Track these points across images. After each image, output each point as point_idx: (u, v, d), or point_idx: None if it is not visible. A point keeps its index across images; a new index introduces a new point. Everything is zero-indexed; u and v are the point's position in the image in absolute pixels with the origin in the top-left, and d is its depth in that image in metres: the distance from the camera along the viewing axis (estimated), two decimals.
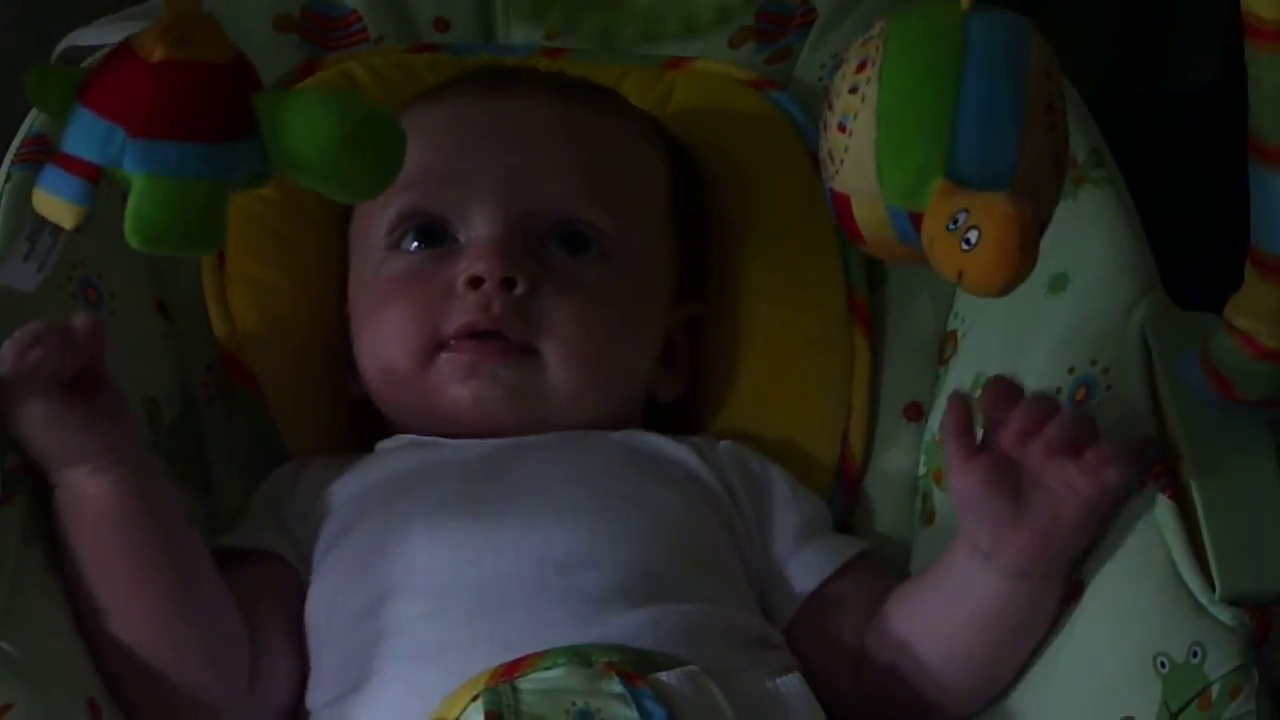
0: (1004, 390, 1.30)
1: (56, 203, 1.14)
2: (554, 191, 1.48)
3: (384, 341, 1.48)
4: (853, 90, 1.18)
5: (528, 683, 1.23)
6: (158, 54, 1.11)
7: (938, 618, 1.35)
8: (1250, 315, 1.23)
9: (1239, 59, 1.17)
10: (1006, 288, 1.11)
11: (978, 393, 1.46)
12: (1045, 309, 1.43)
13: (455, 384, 1.45)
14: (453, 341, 1.45)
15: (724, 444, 1.49)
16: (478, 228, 1.47)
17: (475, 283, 1.45)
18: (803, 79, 1.65)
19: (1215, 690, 1.16)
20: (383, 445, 1.50)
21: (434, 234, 1.49)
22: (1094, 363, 1.37)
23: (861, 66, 1.18)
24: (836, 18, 1.65)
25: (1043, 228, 1.16)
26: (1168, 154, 1.94)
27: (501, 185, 1.48)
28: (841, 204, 1.19)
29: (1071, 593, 1.29)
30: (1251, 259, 1.22)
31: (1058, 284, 1.42)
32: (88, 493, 1.29)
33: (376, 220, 1.50)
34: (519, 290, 1.44)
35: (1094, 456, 1.25)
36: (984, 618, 1.32)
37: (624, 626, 1.30)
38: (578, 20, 1.15)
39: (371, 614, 1.34)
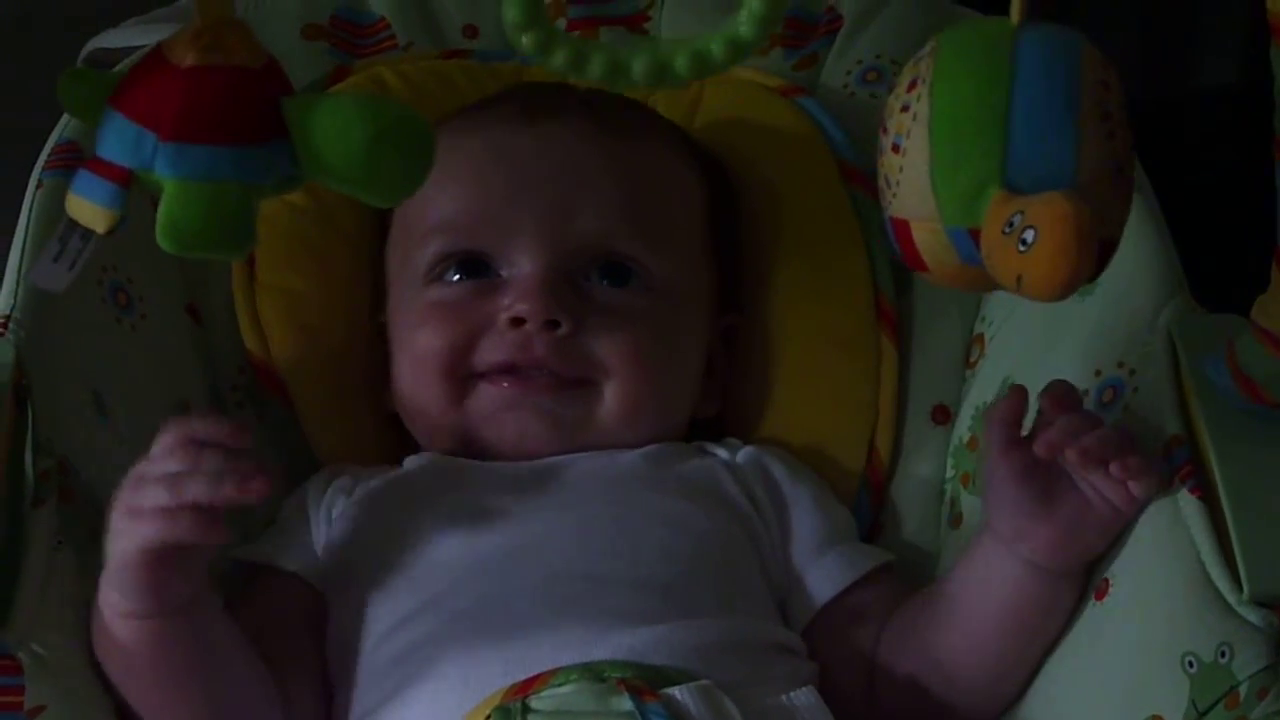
0: (1064, 395, 1.31)
1: (89, 207, 1.14)
2: (596, 227, 1.48)
3: (419, 365, 1.48)
4: (905, 109, 1.17)
5: (539, 700, 1.24)
6: (190, 59, 1.12)
7: (961, 611, 1.36)
8: (1276, 317, 1.23)
9: (1263, 58, 1.17)
10: (1066, 289, 1.10)
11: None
12: (1072, 312, 1.43)
13: (497, 414, 1.46)
14: (488, 373, 1.46)
15: (747, 450, 1.49)
16: (520, 265, 1.47)
17: (517, 322, 1.45)
18: (829, 84, 1.66)
19: (1243, 690, 1.16)
20: (411, 462, 1.50)
21: (476, 267, 1.49)
22: (1120, 365, 1.38)
23: (912, 85, 1.17)
24: (862, 23, 1.66)
25: (1112, 242, 1.15)
26: (1192, 155, 1.93)
27: (543, 222, 1.47)
28: (901, 230, 1.18)
29: (1099, 591, 1.29)
30: (1277, 260, 1.22)
31: (1085, 288, 1.42)
32: (120, 632, 1.26)
33: (417, 252, 1.50)
34: (563, 331, 1.45)
35: (1126, 466, 1.26)
36: (1004, 609, 1.33)
37: (639, 642, 1.30)
38: (586, 59, 1.15)
39: (394, 633, 1.35)
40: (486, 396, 1.46)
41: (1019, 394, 1.32)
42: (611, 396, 1.46)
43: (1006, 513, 1.31)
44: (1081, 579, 1.32)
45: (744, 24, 1.14)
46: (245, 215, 1.13)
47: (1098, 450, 1.27)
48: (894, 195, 1.18)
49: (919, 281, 1.57)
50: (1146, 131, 1.51)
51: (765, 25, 1.14)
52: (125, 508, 1.23)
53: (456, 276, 1.49)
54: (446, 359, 1.47)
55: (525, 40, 1.14)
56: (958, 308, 1.56)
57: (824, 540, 1.45)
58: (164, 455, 1.24)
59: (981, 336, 1.54)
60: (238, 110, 1.12)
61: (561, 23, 1.67)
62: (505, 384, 1.46)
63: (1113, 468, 1.26)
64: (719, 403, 1.56)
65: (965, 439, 1.51)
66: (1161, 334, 1.35)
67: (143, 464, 1.25)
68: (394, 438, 1.54)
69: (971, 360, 1.55)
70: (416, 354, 1.49)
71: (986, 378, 1.51)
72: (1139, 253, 1.40)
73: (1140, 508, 1.28)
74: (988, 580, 1.34)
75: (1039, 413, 1.31)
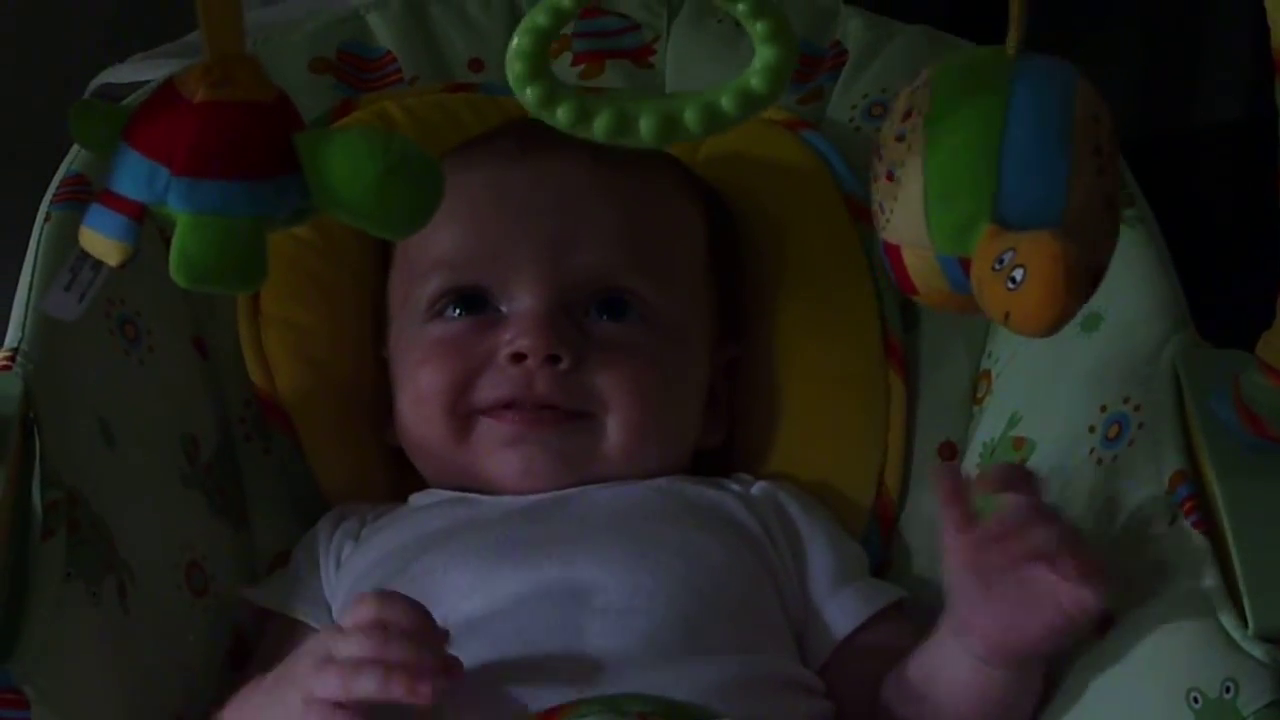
0: (1015, 477, 1.28)
1: (102, 240, 1.14)
2: (594, 261, 1.48)
3: (421, 403, 1.48)
4: (899, 138, 1.18)
5: None
6: (201, 94, 1.12)
7: (919, 694, 1.34)
8: None
9: (1267, 93, 1.18)
10: (1053, 326, 1.11)
11: (1011, 433, 1.47)
12: (1078, 348, 1.43)
13: (501, 450, 1.46)
14: (490, 409, 1.46)
15: (760, 484, 1.50)
16: (520, 300, 1.47)
17: (518, 358, 1.45)
18: (835, 119, 1.66)
19: None
20: (418, 499, 1.50)
21: (476, 303, 1.49)
22: (1126, 400, 1.38)
23: (908, 114, 1.18)
24: (867, 58, 1.66)
25: (1099, 272, 1.16)
26: (1196, 189, 1.94)
27: (543, 257, 1.48)
28: (893, 254, 1.19)
29: (1101, 626, 1.29)
30: None
31: (1090, 323, 1.43)
32: None
33: (418, 289, 1.51)
34: (563, 366, 1.45)
35: (1078, 566, 1.22)
36: (956, 698, 1.32)
37: (660, 678, 1.30)
38: (589, 117, 1.15)
39: None
40: (490, 432, 1.47)
41: (948, 471, 1.28)
42: (613, 429, 1.47)
43: (953, 598, 1.29)
44: (1037, 670, 1.30)
45: (756, 75, 1.13)
46: (258, 248, 1.13)
47: (1048, 550, 1.23)
48: (887, 220, 1.19)
49: (925, 318, 1.57)
50: (1151, 166, 1.51)
51: (778, 77, 1.13)
52: (303, 692, 1.25)
53: (457, 312, 1.49)
54: (448, 396, 1.47)
55: (529, 94, 1.13)
56: (964, 344, 1.57)
57: (839, 576, 1.44)
58: (353, 634, 1.25)
59: (988, 373, 1.55)
60: (250, 145, 1.12)
61: (568, 55, 1.68)
62: (509, 418, 1.46)
63: (1061, 565, 1.22)
64: (722, 434, 1.56)
65: (973, 476, 1.51)
66: (1166, 369, 1.36)
67: (330, 638, 1.26)
68: (400, 470, 1.55)
69: (979, 397, 1.55)
70: (419, 392, 1.49)
71: (994, 415, 1.51)
72: (1143, 288, 1.41)
73: (1089, 617, 1.24)
74: (939, 668, 1.32)
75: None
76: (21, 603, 1.23)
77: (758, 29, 1.13)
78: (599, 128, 1.14)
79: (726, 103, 1.14)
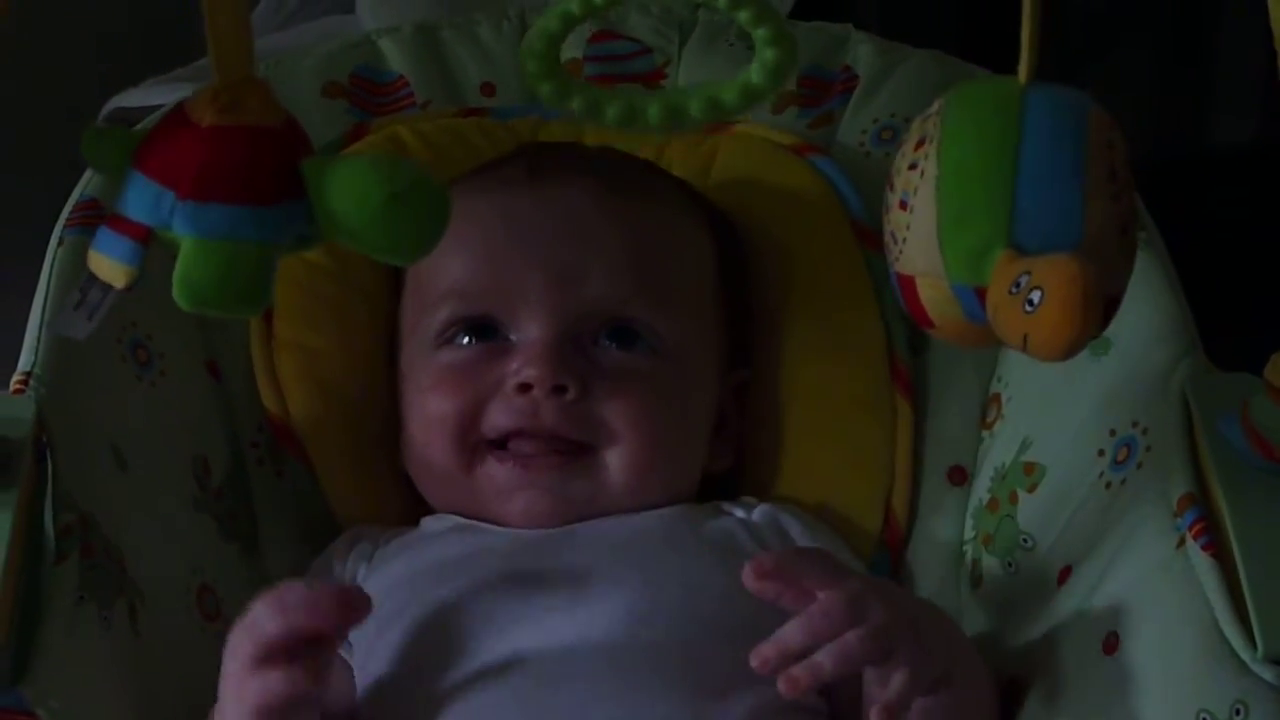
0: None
1: (108, 263, 1.15)
2: (603, 291, 1.48)
3: (429, 429, 1.49)
4: (912, 167, 1.18)
5: None
6: (209, 119, 1.13)
7: None
8: None
9: (1278, 117, 1.18)
10: (1071, 349, 1.10)
11: (1023, 458, 1.47)
12: (1087, 372, 1.43)
13: (507, 493, 1.46)
14: (496, 442, 1.46)
15: (763, 508, 1.49)
16: (528, 330, 1.47)
17: (525, 388, 1.45)
18: (845, 144, 1.66)
19: None
20: (429, 525, 1.50)
21: (485, 330, 1.49)
22: (1135, 424, 1.38)
23: (920, 143, 1.18)
24: (877, 83, 1.66)
25: (1116, 299, 1.16)
26: (1206, 212, 1.93)
27: (551, 287, 1.48)
28: (907, 286, 1.19)
29: (1108, 646, 1.29)
30: None
31: (1100, 347, 1.43)
32: None
33: (427, 317, 1.51)
34: (570, 396, 1.45)
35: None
36: None
37: (665, 708, 1.30)
38: (601, 107, 1.18)
39: (420, 696, 1.34)
40: (494, 474, 1.47)
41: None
42: (616, 462, 1.47)
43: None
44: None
45: (756, 72, 1.18)
46: (262, 273, 1.13)
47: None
48: (900, 251, 1.19)
49: (934, 342, 1.57)
50: (1161, 189, 1.51)
51: (777, 74, 1.18)
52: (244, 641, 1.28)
53: (466, 340, 1.50)
54: (455, 424, 1.47)
55: (544, 89, 1.18)
56: (973, 368, 1.56)
57: None
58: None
59: (998, 396, 1.54)
60: (256, 170, 1.13)
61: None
62: (510, 461, 1.46)
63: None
64: (731, 458, 1.56)
65: (985, 501, 1.51)
66: (1175, 393, 1.36)
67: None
68: (413, 495, 1.54)
69: (989, 421, 1.55)
70: (427, 418, 1.49)
71: (1005, 439, 1.51)
72: (1153, 312, 1.41)
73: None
74: None
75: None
76: (34, 626, 1.23)
77: (759, 34, 1.18)
78: (610, 115, 1.19)
79: (728, 95, 1.20)
